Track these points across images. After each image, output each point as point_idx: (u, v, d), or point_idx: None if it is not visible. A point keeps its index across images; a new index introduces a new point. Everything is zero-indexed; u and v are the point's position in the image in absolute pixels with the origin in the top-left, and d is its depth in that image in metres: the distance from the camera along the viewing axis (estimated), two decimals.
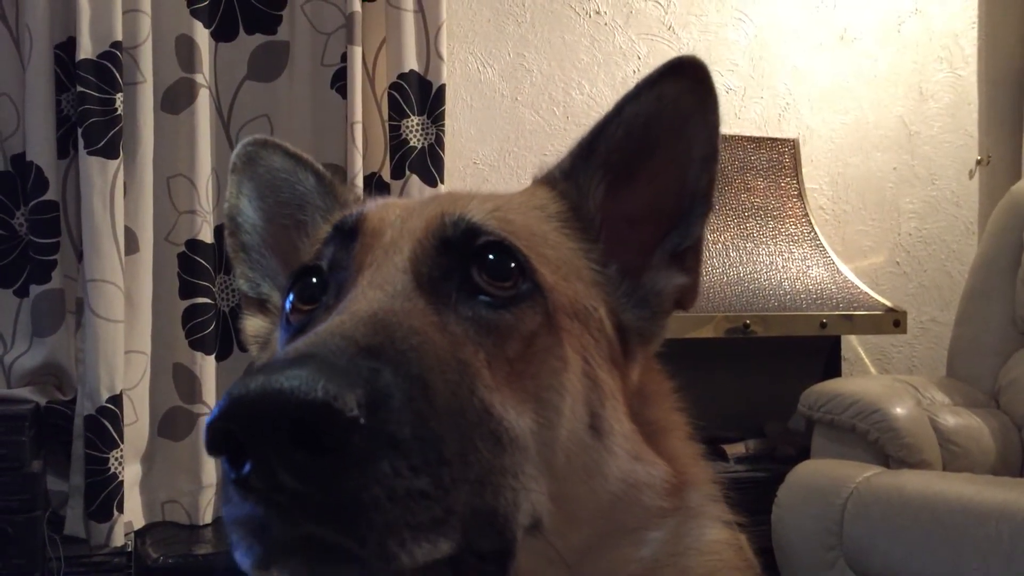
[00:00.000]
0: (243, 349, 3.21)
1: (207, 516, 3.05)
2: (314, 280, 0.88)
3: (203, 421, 3.05)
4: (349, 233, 0.87)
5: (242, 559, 0.66)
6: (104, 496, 2.80)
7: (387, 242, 0.84)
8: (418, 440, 0.63)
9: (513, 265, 0.81)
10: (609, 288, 0.93)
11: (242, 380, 0.61)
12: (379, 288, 0.78)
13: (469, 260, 0.81)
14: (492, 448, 0.70)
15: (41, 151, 2.89)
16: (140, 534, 2.99)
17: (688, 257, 0.97)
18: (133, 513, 2.98)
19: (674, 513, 0.87)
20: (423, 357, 0.68)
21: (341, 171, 3.14)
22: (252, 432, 0.59)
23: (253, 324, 1.08)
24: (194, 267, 3.08)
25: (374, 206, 0.91)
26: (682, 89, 0.93)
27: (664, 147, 0.95)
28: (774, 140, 3.85)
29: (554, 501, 0.77)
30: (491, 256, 0.81)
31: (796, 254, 3.60)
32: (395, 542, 0.61)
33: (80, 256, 2.92)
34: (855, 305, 3.47)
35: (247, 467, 0.60)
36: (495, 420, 0.72)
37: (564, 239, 0.92)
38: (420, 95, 3.25)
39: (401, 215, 0.88)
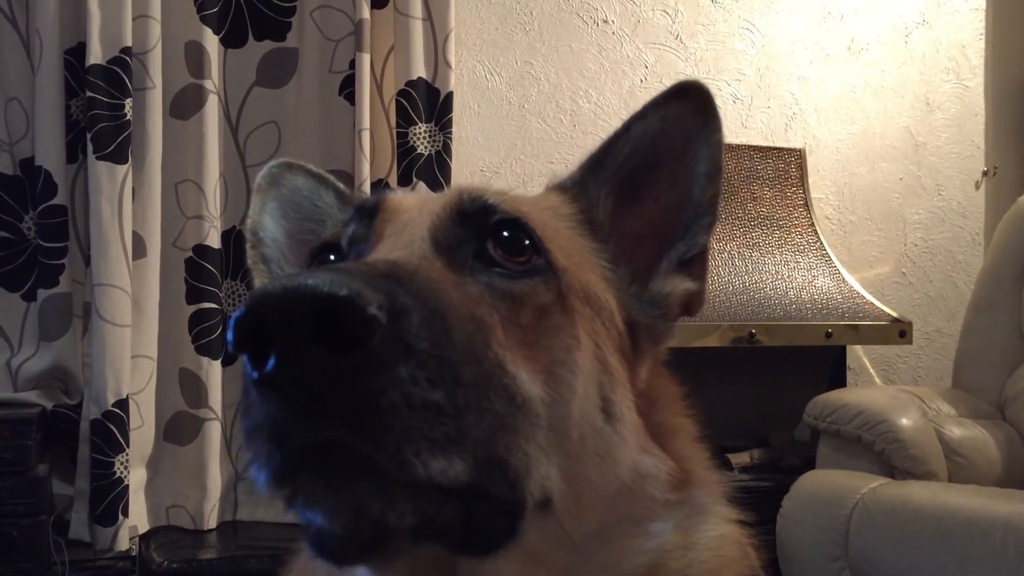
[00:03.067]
0: None
1: (212, 521, 3.06)
2: (332, 257, 0.90)
3: (209, 426, 3.06)
4: (370, 211, 0.90)
5: (258, 473, 0.66)
6: (109, 500, 2.81)
7: (406, 218, 0.87)
8: (435, 357, 0.65)
9: (527, 242, 0.84)
10: (619, 286, 0.96)
11: (267, 284, 0.62)
12: (398, 250, 0.81)
13: (485, 234, 0.83)
14: (505, 404, 0.71)
15: (50, 156, 2.90)
16: (145, 538, 2.99)
17: (695, 264, 1.00)
18: (138, 517, 2.99)
19: (679, 507, 0.88)
20: (440, 298, 0.70)
21: (348, 178, 3.15)
22: (277, 323, 0.60)
23: None
24: (201, 272, 3.09)
25: (394, 193, 0.95)
26: (686, 110, 0.98)
27: (669, 163, 0.99)
28: (780, 150, 3.85)
29: (566, 481, 0.78)
30: (506, 233, 0.84)
31: (802, 264, 3.60)
32: (411, 450, 0.63)
33: (88, 260, 2.93)
34: (860, 315, 3.46)
35: (270, 364, 0.61)
36: (509, 376, 0.73)
37: (576, 236, 0.96)
38: (428, 102, 3.26)
39: (420, 199, 0.91)
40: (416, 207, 0.89)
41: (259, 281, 1.10)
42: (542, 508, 0.76)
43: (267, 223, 1.09)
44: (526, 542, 0.76)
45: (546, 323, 0.81)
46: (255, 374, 0.62)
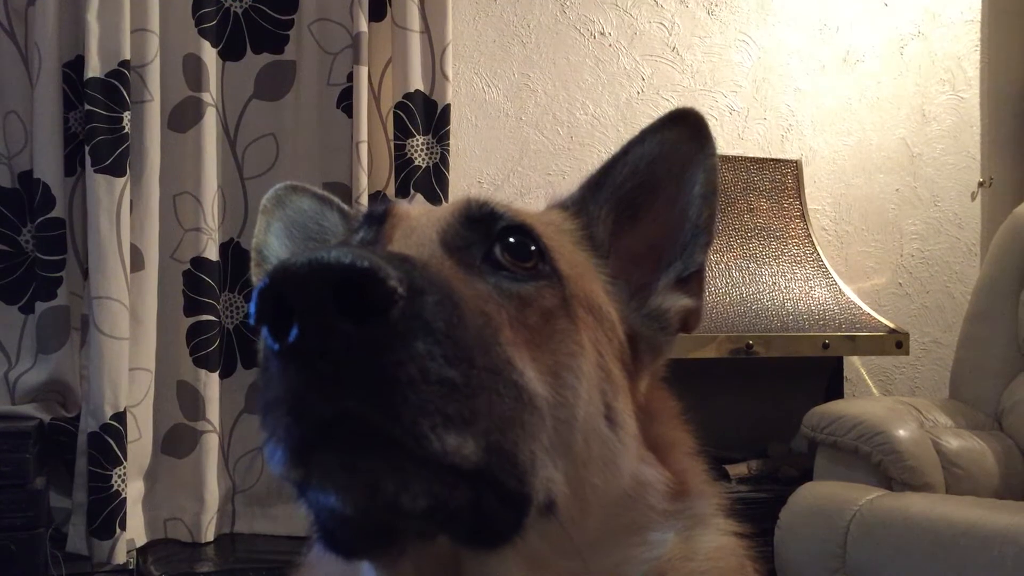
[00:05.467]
0: (247, 367, 3.22)
1: (209, 534, 3.05)
2: None
3: (206, 439, 3.05)
4: (379, 218, 0.92)
5: (274, 450, 0.66)
6: (107, 513, 2.80)
7: (415, 224, 0.89)
8: (450, 338, 0.66)
9: (533, 248, 0.86)
10: (620, 300, 0.98)
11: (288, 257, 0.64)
12: (408, 250, 0.82)
13: (493, 239, 0.85)
14: (513, 399, 0.72)
15: (48, 168, 2.90)
16: (142, 551, 2.99)
17: (692, 282, 1.02)
18: (135, 530, 2.98)
19: (678, 517, 0.89)
20: (452, 287, 0.71)
21: (346, 190, 3.16)
22: (300, 292, 0.61)
23: None
24: (199, 284, 3.09)
25: (402, 202, 0.97)
26: (682, 136, 1.02)
27: (667, 186, 1.03)
28: (777, 161, 3.86)
29: (570, 485, 0.79)
30: (512, 239, 0.85)
31: (799, 275, 3.60)
32: (427, 424, 0.64)
33: (86, 273, 2.93)
34: (858, 326, 3.47)
35: (292, 334, 0.62)
36: (517, 372, 0.73)
37: (577, 250, 0.98)
38: (425, 115, 3.27)
39: (427, 209, 0.94)
40: (424, 214, 0.91)
41: None
42: (546, 511, 0.77)
43: (272, 242, 1.11)
44: (530, 545, 0.76)
45: (552, 326, 0.83)
46: (276, 346, 0.63)
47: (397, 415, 0.63)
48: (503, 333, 0.75)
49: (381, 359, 0.62)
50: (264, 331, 0.64)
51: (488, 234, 0.85)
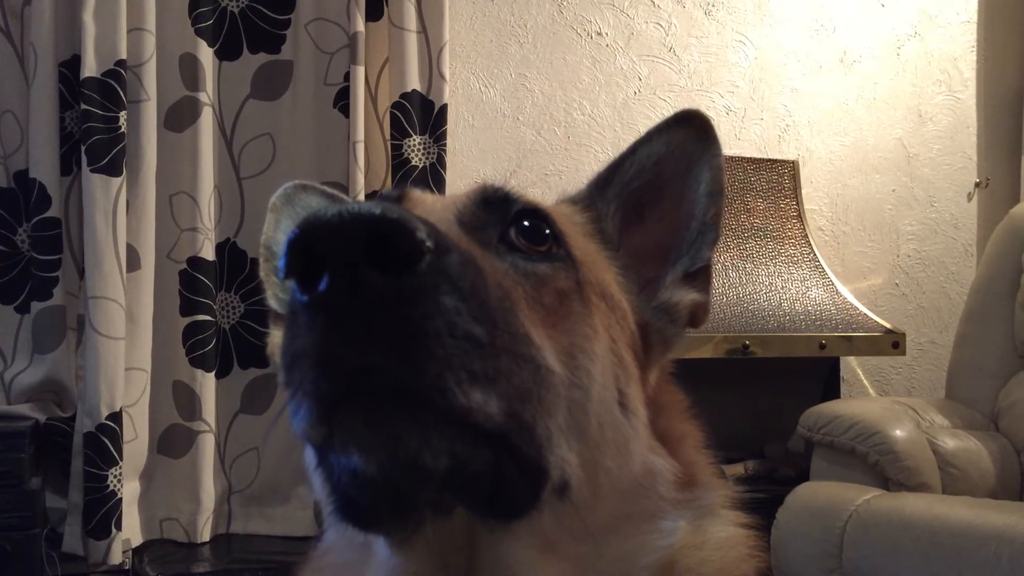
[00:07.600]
0: (243, 367, 3.22)
1: (205, 534, 3.05)
2: None
3: (202, 439, 3.05)
4: (394, 201, 0.91)
5: (298, 406, 0.66)
6: (102, 513, 2.80)
7: (430, 208, 0.89)
8: (475, 296, 0.67)
9: (548, 232, 0.87)
10: (631, 291, 0.99)
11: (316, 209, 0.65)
12: None
13: (508, 221, 0.86)
14: (532, 372, 0.72)
15: (44, 168, 2.90)
16: (138, 552, 2.99)
17: (699, 277, 1.05)
18: (131, 531, 2.98)
19: (687, 507, 0.90)
20: (473, 255, 0.71)
21: (343, 189, 3.15)
22: (331, 242, 0.61)
23: (280, 336, 1.14)
24: (195, 284, 3.09)
25: (416, 189, 0.98)
26: (688, 136, 1.04)
27: (673, 184, 1.05)
28: (774, 161, 3.86)
29: (584, 468, 0.79)
30: (527, 222, 0.87)
31: (795, 275, 3.61)
32: (452, 378, 0.64)
33: (82, 273, 2.93)
34: (854, 326, 3.47)
35: (323, 284, 0.62)
36: (535, 347, 0.74)
37: (589, 241, 1.00)
38: (422, 114, 3.27)
39: (442, 196, 0.97)
40: (439, 199, 0.93)
41: (271, 292, 1.13)
42: (560, 492, 0.77)
43: (280, 239, 1.12)
44: (544, 527, 0.77)
45: (566, 308, 0.83)
46: (305, 298, 0.63)
47: (424, 368, 0.63)
48: (521, 308, 0.76)
49: (409, 311, 0.63)
50: (293, 284, 0.64)
51: (504, 216, 0.86)
